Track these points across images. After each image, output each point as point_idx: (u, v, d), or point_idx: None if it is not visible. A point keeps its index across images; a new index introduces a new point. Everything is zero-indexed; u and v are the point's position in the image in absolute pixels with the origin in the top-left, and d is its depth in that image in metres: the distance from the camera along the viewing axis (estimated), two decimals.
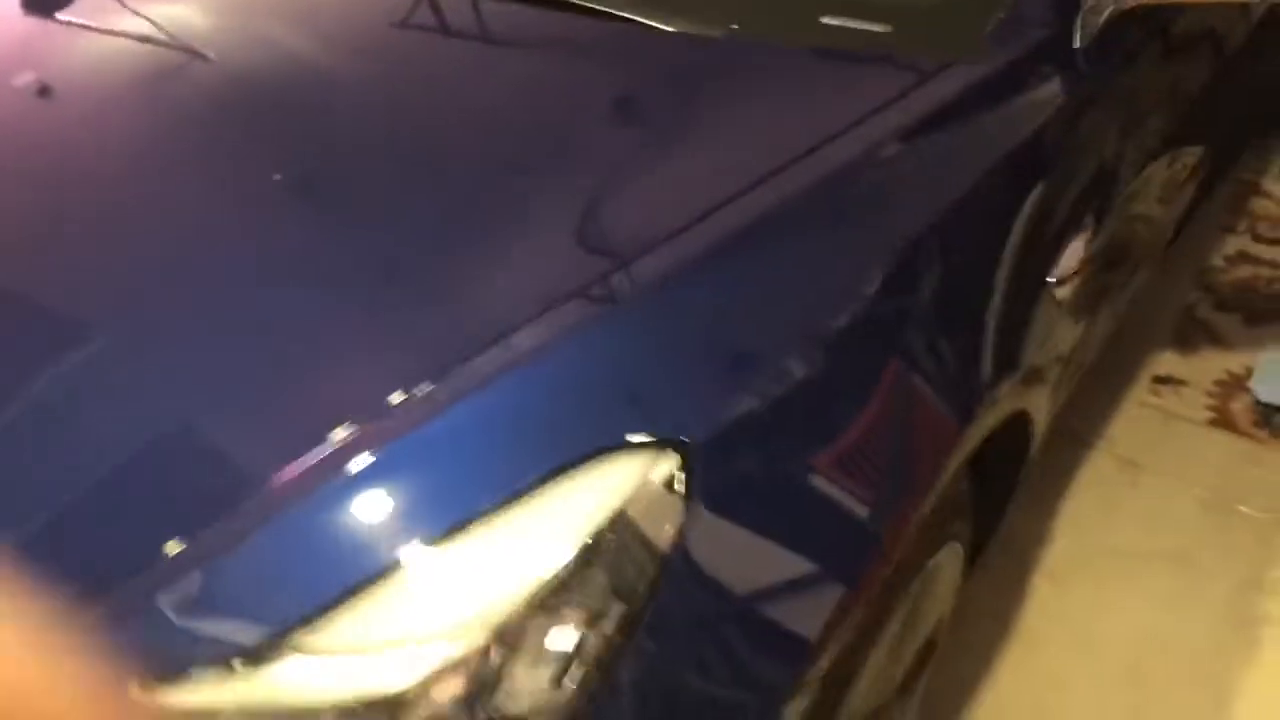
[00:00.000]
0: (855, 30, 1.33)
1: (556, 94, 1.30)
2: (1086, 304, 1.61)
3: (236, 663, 0.84)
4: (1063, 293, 1.34)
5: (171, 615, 0.87)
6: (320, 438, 0.91)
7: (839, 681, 1.07)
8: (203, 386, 0.99)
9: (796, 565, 0.94)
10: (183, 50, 1.35)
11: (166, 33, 1.38)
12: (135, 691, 0.84)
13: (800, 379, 1.00)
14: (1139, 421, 2.29)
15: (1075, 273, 1.35)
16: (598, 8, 1.35)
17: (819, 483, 0.97)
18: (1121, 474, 2.17)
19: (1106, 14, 1.39)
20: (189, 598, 0.87)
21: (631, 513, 0.89)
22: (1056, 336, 1.41)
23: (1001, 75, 1.29)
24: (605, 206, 1.12)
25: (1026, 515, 2.04)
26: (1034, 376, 1.33)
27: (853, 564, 0.97)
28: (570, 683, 0.86)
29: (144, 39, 1.37)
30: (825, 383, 1.01)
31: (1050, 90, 1.33)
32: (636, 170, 1.19)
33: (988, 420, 1.18)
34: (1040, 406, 1.38)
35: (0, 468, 0.96)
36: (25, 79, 1.31)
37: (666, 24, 1.33)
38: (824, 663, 0.98)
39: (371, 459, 0.90)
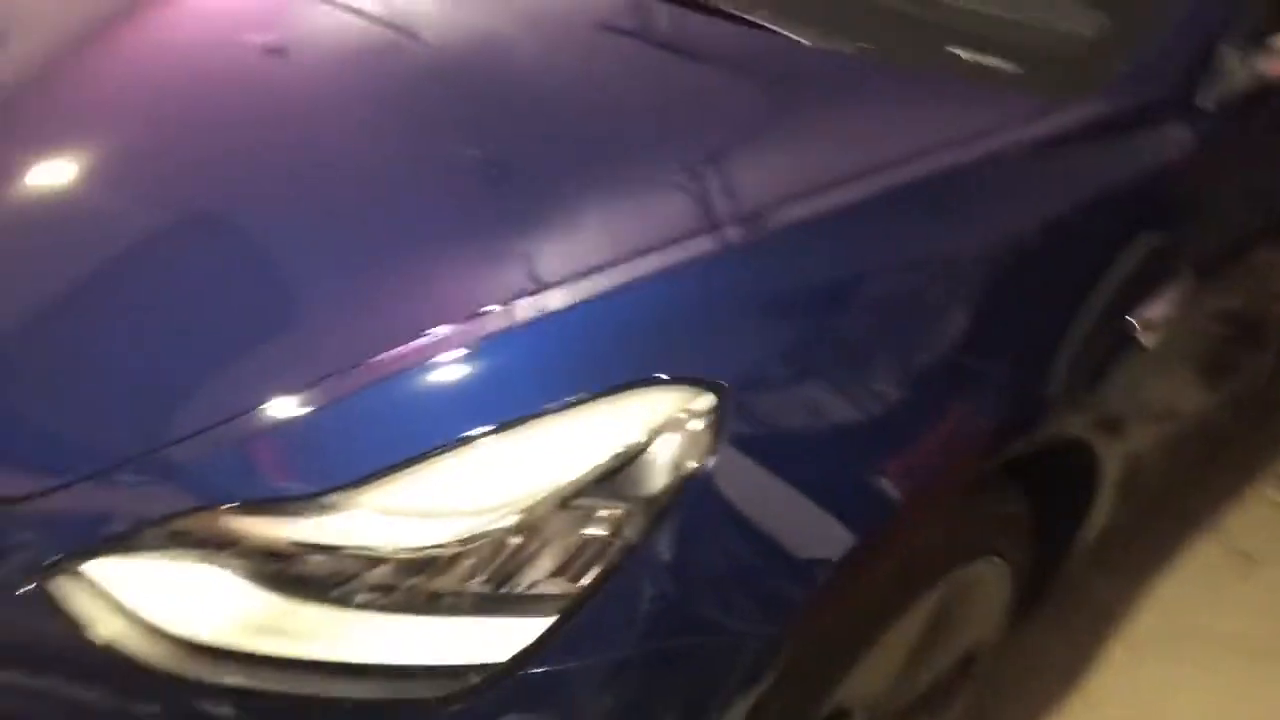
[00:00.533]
0: (981, 64, 1.41)
1: (694, 80, 1.44)
2: (1190, 364, 1.62)
3: (307, 506, 0.98)
4: (1150, 340, 1.37)
5: (261, 457, 1.03)
6: (420, 328, 1.06)
7: (833, 650, 1.14)
8: (344, 267, 1.15)
9: (808, 511, 1.03)
10: (396, 29, 1.54)
11: (387, 15, 1.58)
12: (226, 513, 0.99)
13: (843, 346, 1.10)
14: (1260, 517, 2.23)
15: (1166, 322, 1.37)
16: (748, 18, 1.47)
17: (843, 439, 1.06)
18: (1230, 564, 2.12)
19: (1239, 80, 1.42)
20: (279, 445, 1.03)
21: (664, 435, 1.00)
22: (1144, 387, 1.43)
23: (1115, 118, 1.34)
24: (701, 180, 1.24)
25: (1116, 583, 2.02)
26: (1106, 415, 1.36)
27: (864, 521, 1.05)
28: (581, 572, 0.97)
29: (368, 17, 1.58)
30: (866, 352, 1.11)
31: (1162, 140, 1.37)
32: (740, 152, 1.31)
33: (1034, 435, 1.23)
34: (1113, 451, 1.40)
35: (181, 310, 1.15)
36: (268, 38, 1.52)
37: (804, 37, 1.45)
38: (821, 619, 1.06)
39: (458, 353, 1.04)
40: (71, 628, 0.97)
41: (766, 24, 1.45)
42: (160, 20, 1.61)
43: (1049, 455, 1.31)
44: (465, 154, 1.33)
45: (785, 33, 1.44)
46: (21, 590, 0.99)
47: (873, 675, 1.27)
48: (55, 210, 1.29)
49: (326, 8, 1.55)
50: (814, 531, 1.03)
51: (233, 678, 0.95)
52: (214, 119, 1.38)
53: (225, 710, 0.96)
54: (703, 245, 1.14)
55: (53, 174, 1.33)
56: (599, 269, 1.10)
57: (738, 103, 1.43)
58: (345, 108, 1.40)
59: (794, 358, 1.08)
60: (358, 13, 1.54)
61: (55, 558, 0.98)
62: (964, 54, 1.42)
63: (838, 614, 1.09)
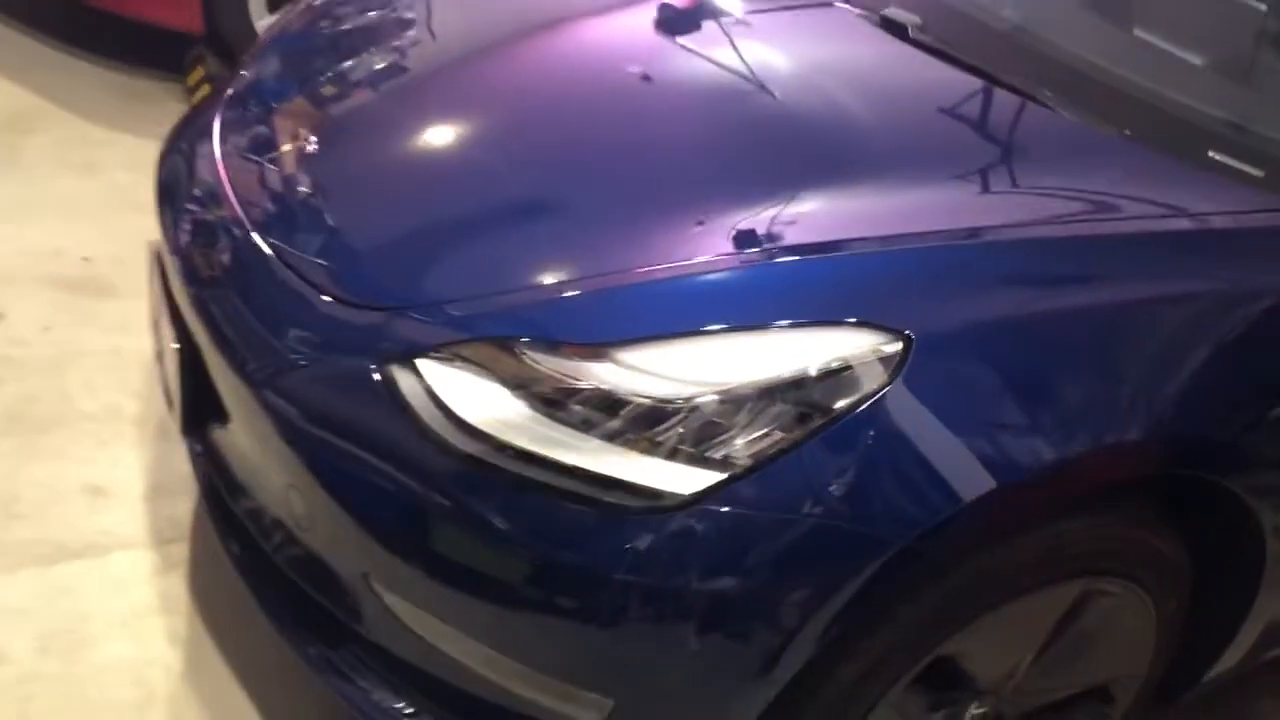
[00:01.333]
0: (1231, 167, 1.61)
1: (968, 122, 1.75)
2: None
3: (584, 351, 1.33)
4: None
5: (559, 313, 1.40)
6: (704, 252, 1.43)
7: (951, 592, 1.35)
8: (668, 211, 1.52)
9: (956, 453, 1.27)
10: (730, 74, 1.93)
11: (712, 68, 1.99)
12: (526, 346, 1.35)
13: (1024, 336, 1.35)
14: None
15: None
16: (1039, 97, 1.73)
17: (1003, 406, 1.31)
18: None
19: None
20: (575, 305, 1.40)
21: (855, 365, 1.27)
22: None
23: None
24: (949, 192, 1.55)
25: None
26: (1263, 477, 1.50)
27: (1004, 473, 1.27)
28: (761, 450, 1.25)
29: (703, 64, 1.97)
30: (1046, 350, 1.35)
31: None
32: (992, 178, 1.63)
33: (1185, 467, 1.41)
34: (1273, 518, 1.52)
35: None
36: (637, 68, 1.94)
37: (1069, 113, 1.70)
38: (944, 554, 1.28)
39: (723, 273, 1.40)
40: (401, 408, 1.36)
41: (1049, 103, 1.71)
42: (572, 40, 2.07)
43: (1209, 512, 1.46)
44: (764, 157, 1.67)
45: (1060, 110, 1.70)
46: (374, 374, 1.39)
47: (993, 651, 1.45)
48: (492, 141, 1.78)
49: (685, 54, 1.96)
50: (957, 471, 1.27)
51: (506, 463, 1.31)
52: (601, 111, 1.82)
53: (497, 485, 1.31)
54: (930, 238, 1.43)
55: (497, 123, 1.81)
56: (846, 240, 1.43)
57: (1006, 149, 1.73)
58: (684, 116, 1.79)
59: (982, 335, 1.33)
60: (705, 59, 1.95)
61: (403, 352, 1.38)
62: (1213, 152, 1.62)
63: (960, 556, 1.31)
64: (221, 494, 1.71)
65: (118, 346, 2.40)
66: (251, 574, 1.65)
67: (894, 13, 1.90)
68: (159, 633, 1.85)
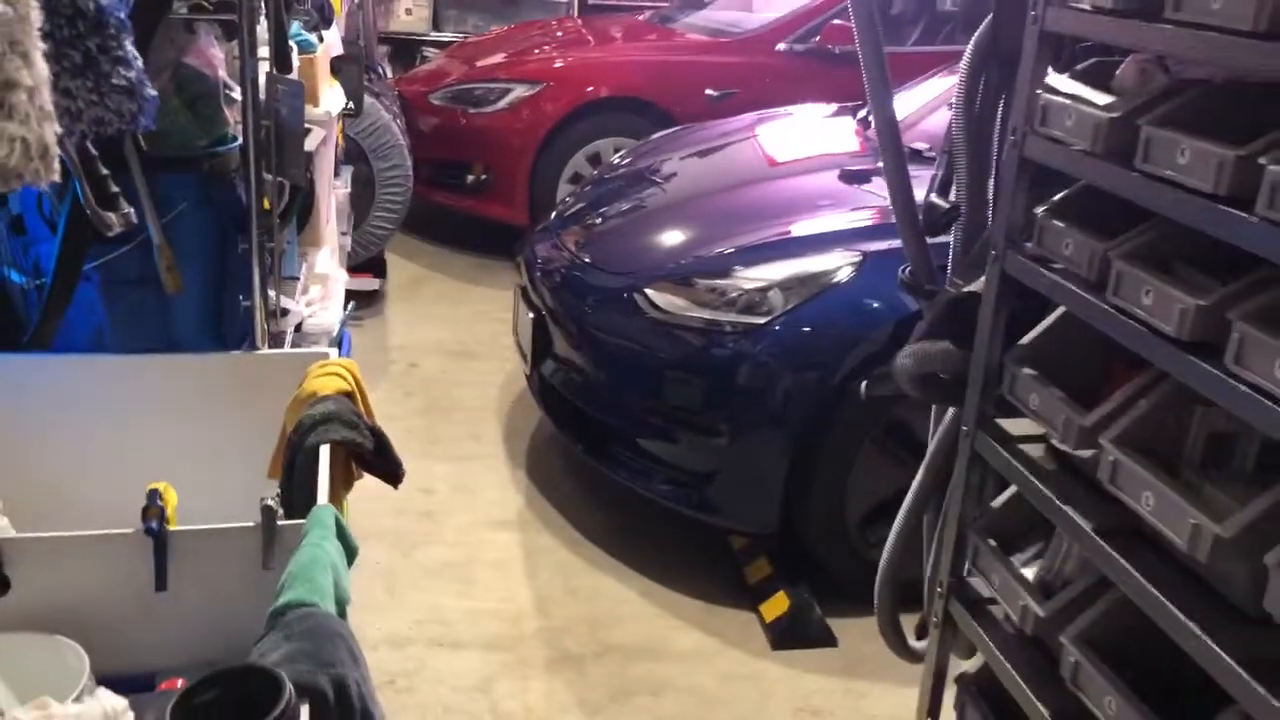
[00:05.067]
0: None
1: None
2: None
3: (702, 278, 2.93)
4: None
5: (711, 261, 2.99)
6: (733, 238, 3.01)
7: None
8: (745, 218, 3.14)
9: (890, 297, 2.74)
10: (690, 160, 3.57)
11: (691, 158, 3.67)
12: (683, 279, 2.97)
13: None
14: None
15: None
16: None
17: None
18: None
19: None
20: (722, 259, 2.99)
21: (843, 268, 2.81)
22: None
23: None
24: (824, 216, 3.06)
25: None
26: None
27: (903, 309, 2.72)
28: (789, 305, 2.79)
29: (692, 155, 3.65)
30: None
31: None
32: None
33: None
34: None
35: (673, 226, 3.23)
36: (679, 156, 3.67)
37: None
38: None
39: (765, 242, 2.98)
40: (636, 307, 2.98)
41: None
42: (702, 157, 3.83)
43: None
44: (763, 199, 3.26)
45: None
46: (625, 294, 3.02)
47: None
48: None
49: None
50: (892, 304, 2.73)
51: (678, 321, 2.90)
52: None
53: (675, 331, 2.90)
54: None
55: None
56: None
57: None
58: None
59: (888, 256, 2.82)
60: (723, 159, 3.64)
61: (636, 287, 3.02)
62: None
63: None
64: (544, 390, 3.37)
65: (480, 380, 4.18)
66: (559, 416, 3.28)
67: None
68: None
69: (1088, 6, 1.45)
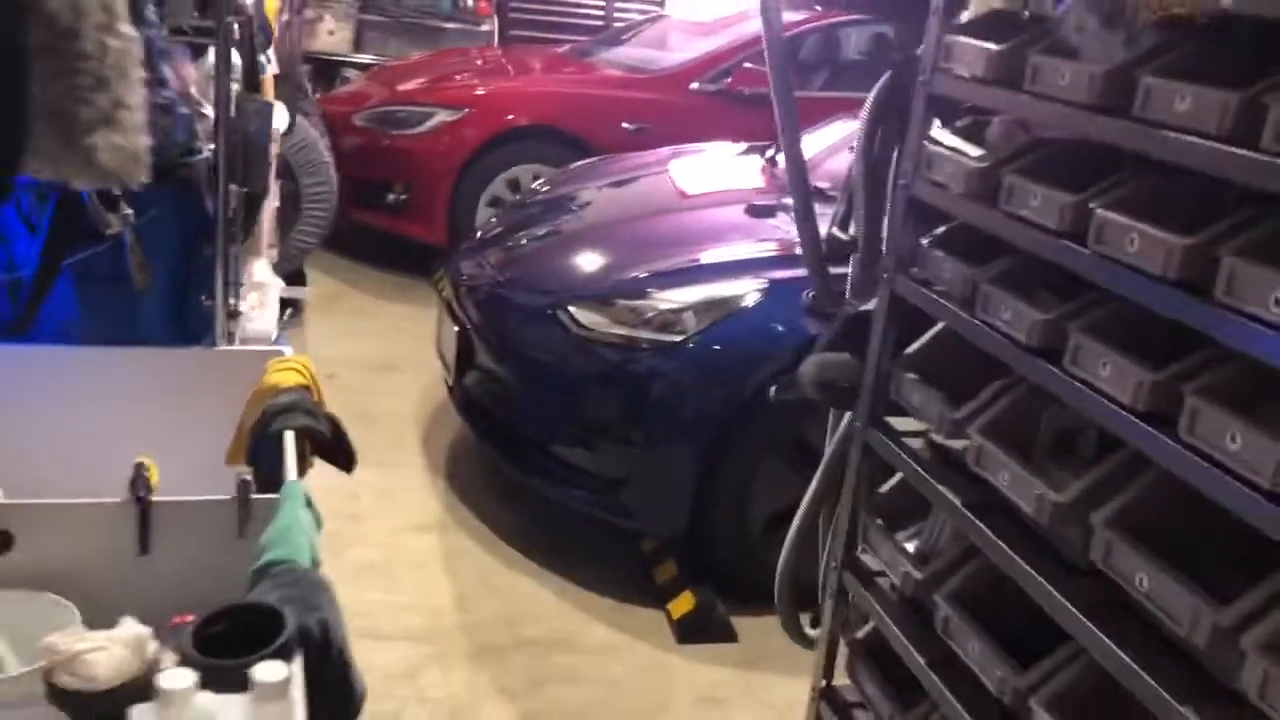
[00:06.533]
0: None
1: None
2: None
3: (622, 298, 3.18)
4: None
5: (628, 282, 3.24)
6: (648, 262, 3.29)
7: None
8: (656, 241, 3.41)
9: (792, 321, 3.04)
10: (608, 189, 3.87)
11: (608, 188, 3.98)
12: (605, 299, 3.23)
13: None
14: None
15: None
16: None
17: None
18: None
19: None
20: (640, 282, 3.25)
21: (753, 292, 3.10)
22: None
23: None
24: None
25: None
26: None
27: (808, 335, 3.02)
28: (699, 326, 3.07)
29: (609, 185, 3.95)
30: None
31: None
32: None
33: None
34: None
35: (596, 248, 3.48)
36: (597, 185, 4.00)
37: None
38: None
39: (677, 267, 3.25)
40: (559, 324, 3.21)
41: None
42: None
43: None
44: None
45: None
46: (549, 311, 3.26)
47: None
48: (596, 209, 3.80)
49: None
50: (796, 329, 3.02)
51: (596, 337, 3.14)
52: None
53: (593, 347, 3.14)
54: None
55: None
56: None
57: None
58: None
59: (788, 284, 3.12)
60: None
61: (558, 305, 3.26)
62: None
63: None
64: (466, 400, 3.57)
65: (398, 391, 4.35)
66: (479, 425, 3.49)
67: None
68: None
69: (966, 75, 1.75)
